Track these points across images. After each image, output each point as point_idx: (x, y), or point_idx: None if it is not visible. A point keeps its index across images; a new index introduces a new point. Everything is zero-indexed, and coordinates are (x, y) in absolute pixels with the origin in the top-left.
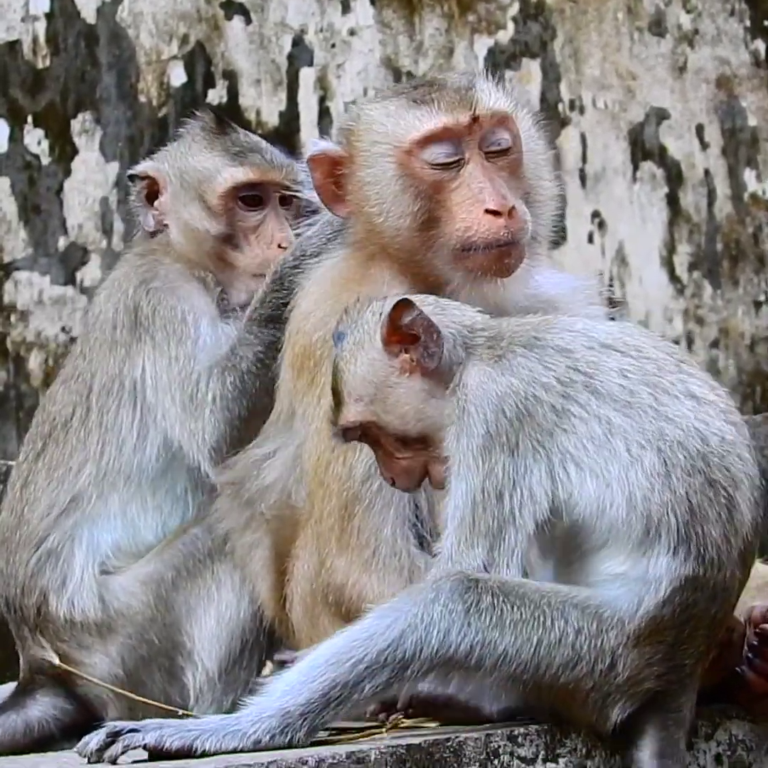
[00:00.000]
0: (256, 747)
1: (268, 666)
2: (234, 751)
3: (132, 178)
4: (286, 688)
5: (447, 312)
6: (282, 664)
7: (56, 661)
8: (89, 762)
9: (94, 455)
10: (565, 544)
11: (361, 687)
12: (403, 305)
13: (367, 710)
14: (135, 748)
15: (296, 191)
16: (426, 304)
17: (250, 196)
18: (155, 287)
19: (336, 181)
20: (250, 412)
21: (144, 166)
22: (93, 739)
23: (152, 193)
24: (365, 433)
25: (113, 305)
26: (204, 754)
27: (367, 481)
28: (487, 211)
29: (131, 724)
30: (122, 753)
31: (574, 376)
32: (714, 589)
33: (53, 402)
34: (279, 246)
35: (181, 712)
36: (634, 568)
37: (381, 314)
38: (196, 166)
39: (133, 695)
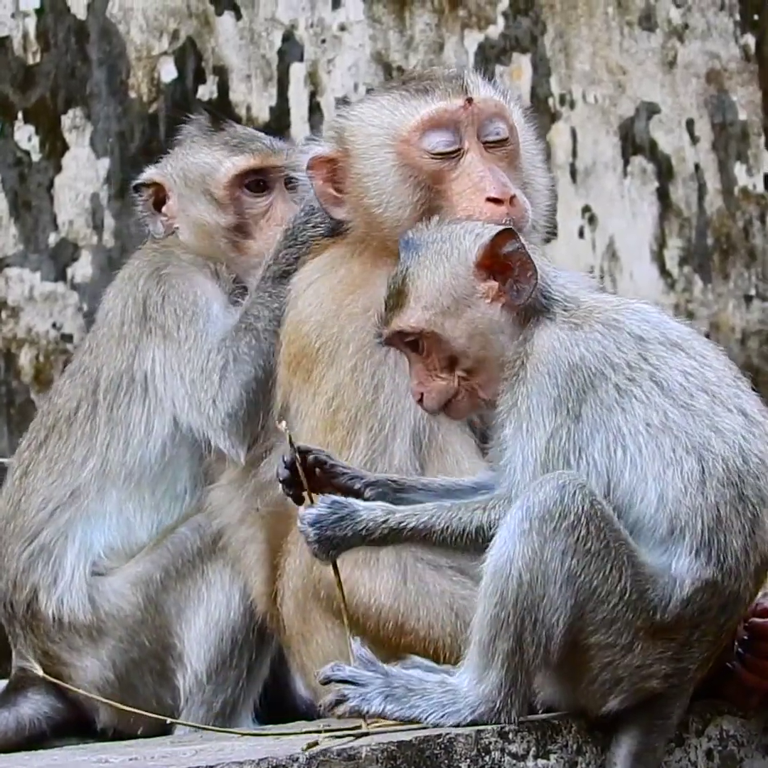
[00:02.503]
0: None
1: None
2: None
3: (137, 188)
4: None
5: (535, 256)
6: None
7: (40, 672)
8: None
9: (100, 449)
10: None
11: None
12: (508, 234)
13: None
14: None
15: (300, 174)
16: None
17: (255, 182)
18: (167, 273)
19: (334, 184)
20: (267, 373)
21: (148, 174)
22: (326, 698)
23: (159, 201)
24: (415, 343)
25: (123, 299)
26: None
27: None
28: (489, 199)
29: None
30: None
31: (642, 365)
32: (727, 599)
33: (59, 394)
34: None
35: (168, 720)
36: (654, 563)
37: (479, 235)
38: (198, 161)
39: (119, 705)
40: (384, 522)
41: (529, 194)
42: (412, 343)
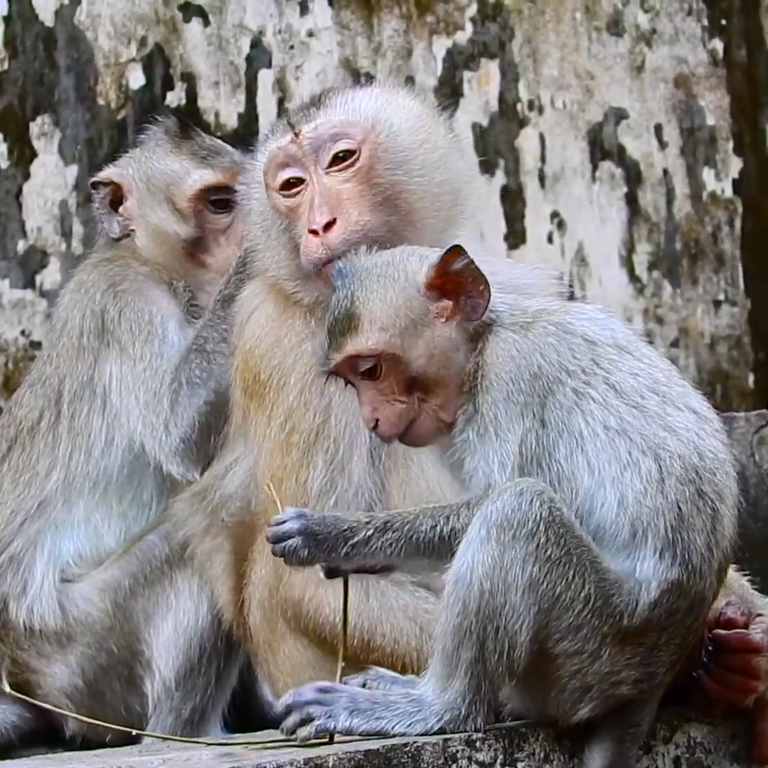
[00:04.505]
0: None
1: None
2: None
3: (95, 185)
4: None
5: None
6: None
7: (7, 689)
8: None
9: (63, 460)
10: None
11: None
12: (457, 251)
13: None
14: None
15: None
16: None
17: (219, 199)
18: (123, 289)
19: None
20: (218, 395)
21: (107, 173)
22: (289, 720)
23: (116, 200)
24: (372, 367)
25: (80, 311)
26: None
27: (323, 497)
28: (310, 231)
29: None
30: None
31: (596, 369)
32: (694, 599)
33: (20, 406)
34: None
35: (134, 731)
36: (618, 568)
37: (423, 256)
38: (164, 169)
39: (86, 719)
40: (368, 522)
41: (403, 201)
42: (366, 368)
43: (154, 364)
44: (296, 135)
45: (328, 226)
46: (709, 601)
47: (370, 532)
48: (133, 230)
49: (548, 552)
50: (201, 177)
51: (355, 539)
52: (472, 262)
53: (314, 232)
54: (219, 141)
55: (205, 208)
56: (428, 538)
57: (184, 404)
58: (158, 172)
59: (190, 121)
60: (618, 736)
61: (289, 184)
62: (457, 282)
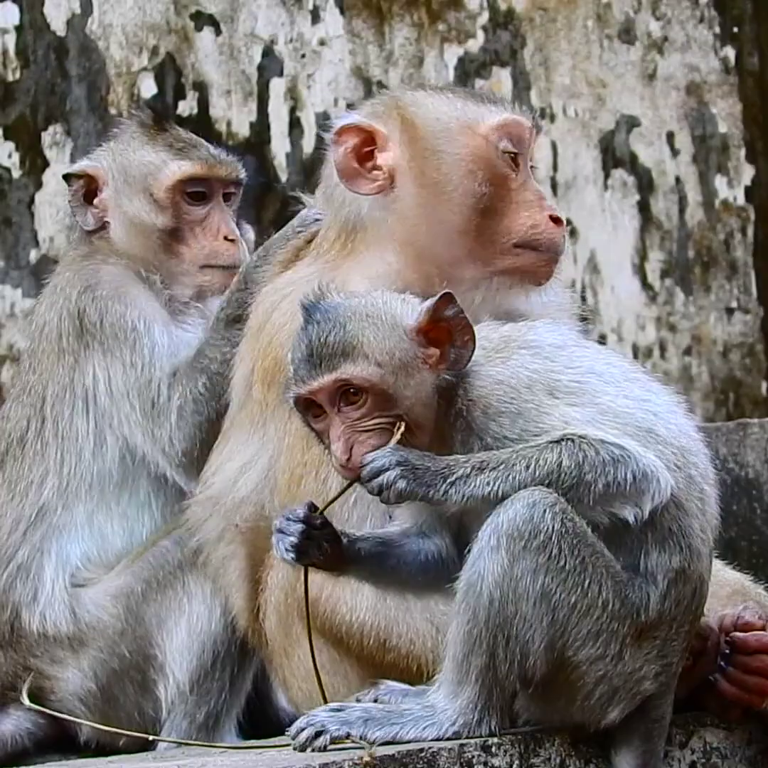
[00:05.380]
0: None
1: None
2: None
3: (67, 177)
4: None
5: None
6: None
7: (26, 701)
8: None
9: (55, 466)
10: None
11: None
12: (449, 298)
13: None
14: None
15: (239, 187)
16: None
17: (196, 191)
18: (100, 294)
19: (359, 158)
20: (218, 414)
21: (81, 165)
22: (302, 734)
23: (90, 192)
24: (352, 396)
25: (57, 313)
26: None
27: (343, 495)
28: (551, 218)
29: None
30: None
31: (580, 363)
32: (696, 583)
33: (7, 419)
34: (225, 238)
35: (151, 737)
36: (626, 567)
37: (404, 301)
38: (141, 160)
39: (101, 726)
40: (466, 462)
41: None
42: (347, 397)
43: (146, 373)
44: (535, 128)
45: (559, 221)
46: (707, 581)
47: (468, 471)
48: (107, 222)
49: (561, 563)
50: (178, 168)
51: (454, 477)
52: (462, 310)
53: (557, 221)
54: (193, 134)
55: (181, 199)
56: (523, 478)
57: (188, 420)
58: (135, 162)
59: (198, 128)
60: (645, 733)
61: (514, 150)
62: (445, 330)
